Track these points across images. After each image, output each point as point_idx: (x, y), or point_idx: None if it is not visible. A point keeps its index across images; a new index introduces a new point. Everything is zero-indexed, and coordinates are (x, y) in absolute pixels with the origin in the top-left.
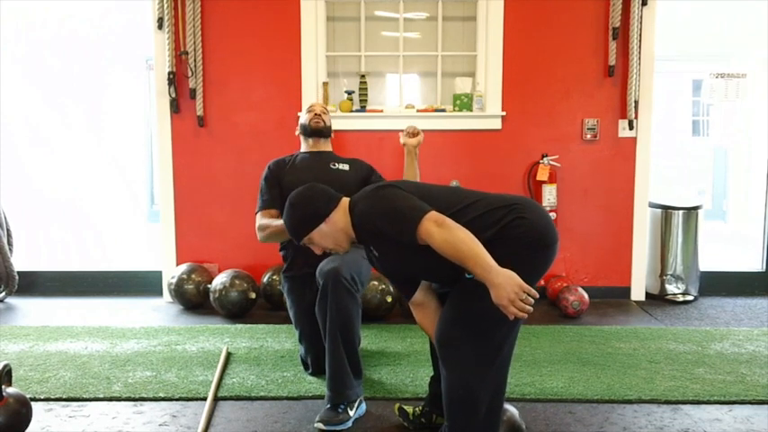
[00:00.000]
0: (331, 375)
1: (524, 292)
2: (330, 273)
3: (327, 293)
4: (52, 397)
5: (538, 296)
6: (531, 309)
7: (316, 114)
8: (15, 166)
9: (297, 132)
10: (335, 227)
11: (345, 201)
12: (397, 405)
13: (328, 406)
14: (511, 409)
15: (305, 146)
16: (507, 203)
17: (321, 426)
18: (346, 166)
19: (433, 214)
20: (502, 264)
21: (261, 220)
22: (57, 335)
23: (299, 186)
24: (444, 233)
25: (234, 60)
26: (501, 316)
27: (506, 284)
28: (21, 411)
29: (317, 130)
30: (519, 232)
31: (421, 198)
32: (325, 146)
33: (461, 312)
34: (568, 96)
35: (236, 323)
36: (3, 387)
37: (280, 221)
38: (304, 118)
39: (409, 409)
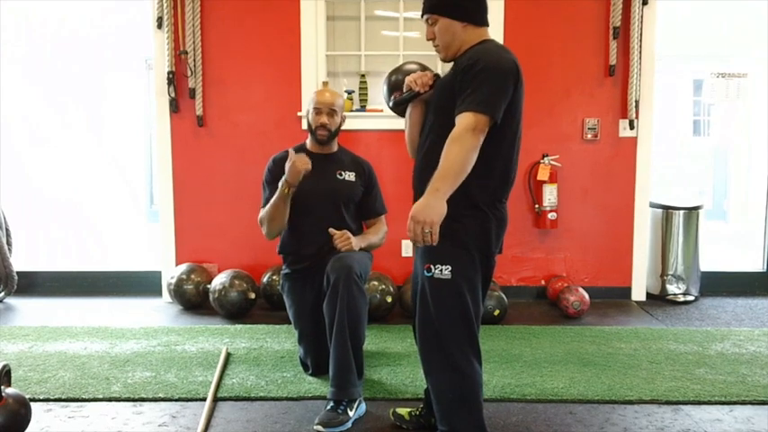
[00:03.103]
0: (335, 372)
1: (429, 230)
2: (343, 269)
3: (339, 289)
4: (51, 397)
5: (435, 243)
6: (419, 243)
7: (322, 125)
8: (15, 165)
9: (305, 118)
10: (461, 35)
11: (486, 30)
12: (391, 410)
13: (330, 405)
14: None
15: (310, 143)
16: (491, 200)
17: (320, 428)
18: (352, 176)
19: (484, 123)
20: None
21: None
22: (56, 335)
23: (306, 193)
24: (465, 141)
25: (234, 60)
26: (463, 309)
27: (428, 215)
28: (20, 412)
29: (321, 142)
30: (468, 223)
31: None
32: (331, 147)
33: (429, 317)
34: (569, 96)
35: (235, 323)
36: (2, 387)
37: (269, 205)
38: (311, 116)
39: (403, 411)
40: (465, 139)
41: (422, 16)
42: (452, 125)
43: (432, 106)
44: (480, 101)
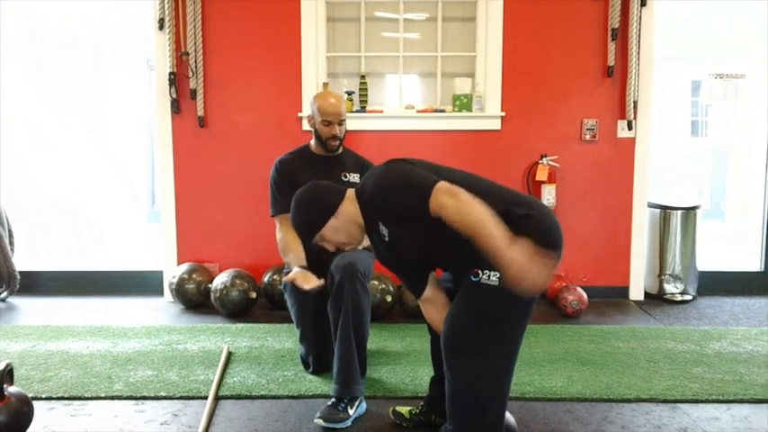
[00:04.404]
0: (339, 369)
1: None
2: (347, 268)
3: (343, 288)
4: (54, 396)
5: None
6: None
7: (334, 136)
8: (15, 165)
9: (308, 122)
10: (346, 219)
11: (351, 191)
12: (391, 408)
13: (332, 401)
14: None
15: (315, 146)
16: (519, 200)
17: (321, 422)
18: (357, 178)
19: (444, 184)
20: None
21: (281, 232)
22: (58, 334)
23: None
24: (457, 204)
25: (234, 61)
26: (506, 319)
27: (519, 272)
28: (22, 410)
29: (333, 151)
30: (526, 230)
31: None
32: (337, 150)
33: (467, 316)
34: (568, 97)
35: (236, 323)
36: (4, 386)
37: (301, 249)
38: (319, 126)
39: (404, 409)
40: (453, 205)
41: (310, 243)
42: (440, 226)
43: (419, 242)
44: (421, 188)
